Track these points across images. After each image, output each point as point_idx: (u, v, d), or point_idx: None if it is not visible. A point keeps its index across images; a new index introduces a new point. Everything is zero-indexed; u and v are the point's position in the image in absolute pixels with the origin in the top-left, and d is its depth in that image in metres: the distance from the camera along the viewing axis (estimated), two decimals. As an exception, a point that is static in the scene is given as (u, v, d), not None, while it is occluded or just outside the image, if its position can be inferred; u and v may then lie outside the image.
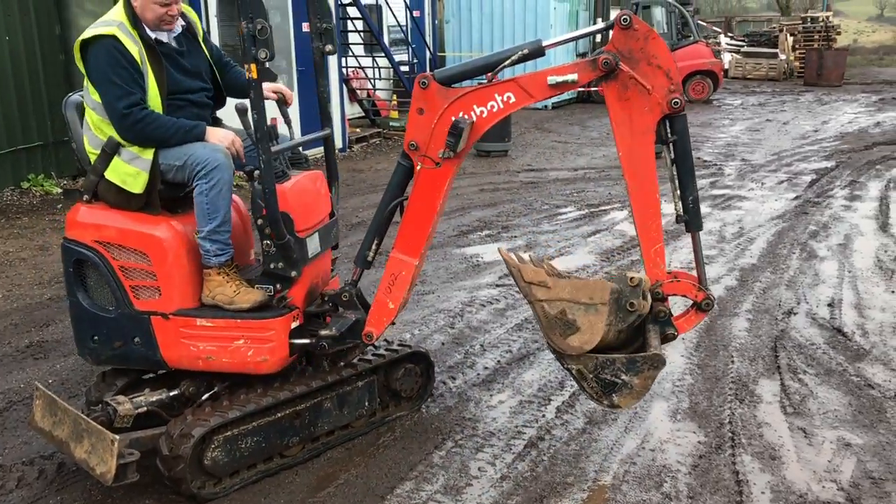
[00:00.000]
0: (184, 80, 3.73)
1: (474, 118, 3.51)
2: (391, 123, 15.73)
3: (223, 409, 3.55)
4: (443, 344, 5.27)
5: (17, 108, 10.00)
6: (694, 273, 3.60)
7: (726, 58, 26.24)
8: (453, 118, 3.49)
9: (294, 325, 3.70)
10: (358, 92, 15.81)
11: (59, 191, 10.13)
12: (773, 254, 7.28)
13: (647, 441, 4.03)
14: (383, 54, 15.44)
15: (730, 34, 31.19)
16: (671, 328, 3.53)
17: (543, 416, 4.30)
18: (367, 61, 16.11)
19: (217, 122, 3.99)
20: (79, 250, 3.66)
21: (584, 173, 11.44)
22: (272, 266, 3.61)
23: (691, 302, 3.58)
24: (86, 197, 3.73)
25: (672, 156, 3.42)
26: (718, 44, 27.38)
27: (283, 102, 4.04)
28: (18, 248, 7.67)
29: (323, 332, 3.73)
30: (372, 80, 16.42)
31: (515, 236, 8.02)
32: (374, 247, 3.83)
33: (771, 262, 7.04)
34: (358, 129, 14.86)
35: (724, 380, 4.70)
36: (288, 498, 3.55)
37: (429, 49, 17.86)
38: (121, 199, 3.64)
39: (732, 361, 4.96)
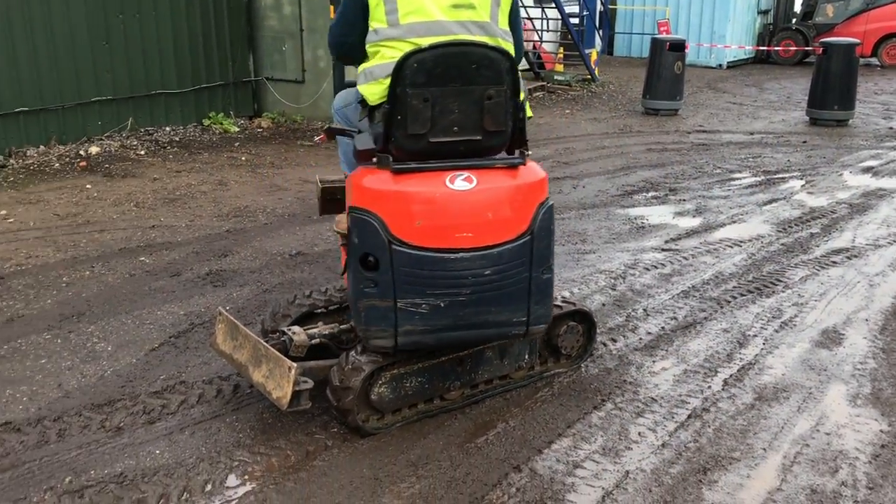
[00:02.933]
0: None
1: None
2: (556, 77, 15.48)
3: (393, 347, 3.62)
4: (603, 305, 5.15)
5: (203, 49, 10.56)
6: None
7: (928, 20, 23.92)
8: None
9: None
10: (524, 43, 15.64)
11: (237, 130, 10.64)
12: (974, 236, 6.63)
13: (822, 423, 3.79)
14: (553, 5, 15.12)
15: (933, -6, 28.35)
16: None
17: (709, 387, 4.13)
18: (535, 12, 15.85)
19: None
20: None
21: (761, 138, 10.82)
22: None
23: None
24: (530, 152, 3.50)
25: None
26: (919, 4, 24.97)
27: None
28: (199, 181, 8.15)
29: None
30: (539, 32, 16.16)
31: (684, 199, 7.71)
32: None
33: (972, 245, 6.41)
34: (522, 82, 14.70)
35: (912, 368, 4.34)
36: (446, 441, 3.60)
37: (600, 1, 17.33)
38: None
39: (923, 349, 4.57)
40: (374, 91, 3.36)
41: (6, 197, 7.36)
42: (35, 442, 3.52)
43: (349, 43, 3.47)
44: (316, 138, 3.73)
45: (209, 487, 3.22)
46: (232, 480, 3.27)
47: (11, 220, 6.70)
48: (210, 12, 10.53)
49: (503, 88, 3.25)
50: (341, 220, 3.77)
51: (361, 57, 3.49)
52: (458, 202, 3.27)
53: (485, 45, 3.20)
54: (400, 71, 3.15)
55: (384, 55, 3.31)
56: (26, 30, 8.63)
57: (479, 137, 3.30)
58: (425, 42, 3.19)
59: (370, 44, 3.36)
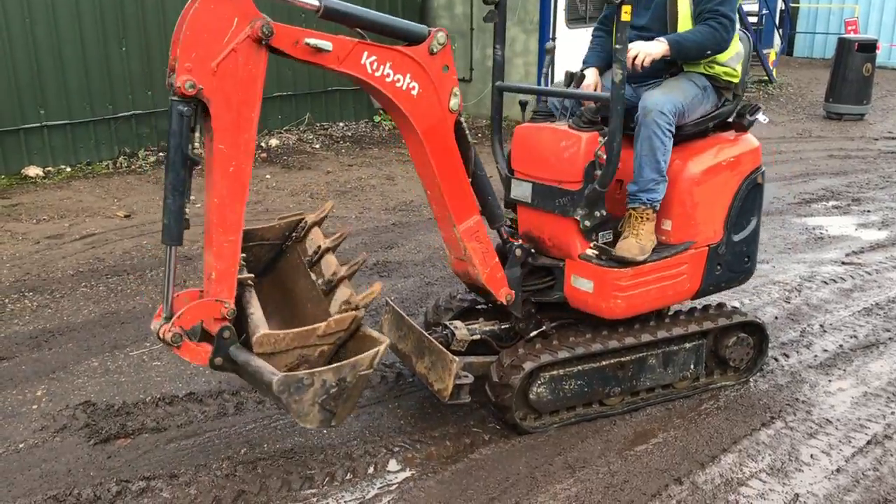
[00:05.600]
0: (637, 10, 3.70)
1: None
2: (730, 79, 14.83)
3: (553, 347, 3.61)
4: (776, 318, 4.90)
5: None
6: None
7: None
8: None
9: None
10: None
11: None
12: None
13: None
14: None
15: None
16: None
17: (893, 413, 3.84)
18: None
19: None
20: None
21: (961, 147, 9.93)
22: None
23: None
24: None
25: None
26: None
27: None
28: (369, 175, 8.44)
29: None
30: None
31: (868, 210, 7.20)
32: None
33: None
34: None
35: None
36: (604, 446, 3.55)
37: (782, -1, 16.46)
38: None
39: None
40: (740, 69, 3.90)
41: (194, 184, 7.91)
42: (215, 413, 3.78)
43: None
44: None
45: (371, 470, 3.34)
46: (393, 465, 3.38)
47: (199, 205, 7.20)
48: (385, 12, 10.86)
49: None
50: None
51: None
52: None
53: None
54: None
55: (736, 39, 3.84)
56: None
57: None
58: None
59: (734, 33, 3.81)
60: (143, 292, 5.21)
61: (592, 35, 4.11)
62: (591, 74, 3.94)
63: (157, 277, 5.45)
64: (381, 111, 11.03)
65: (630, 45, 3.52)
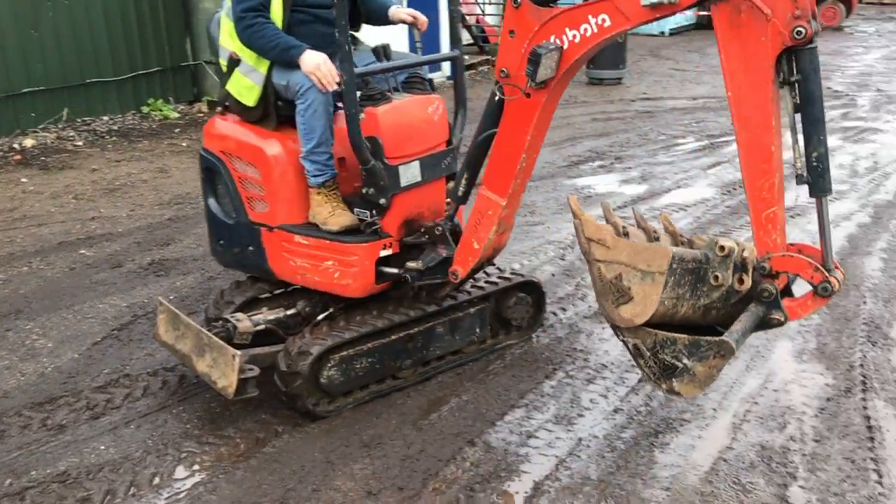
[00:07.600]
0: None
1: (565, 44, 2.96)
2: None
3: (339, 329, 3.57)
4: (553, 275, 5.16)
5: (138, 34, 10.26)
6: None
7: (861, -19, 24.33)
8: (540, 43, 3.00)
9: (385, 253, 3.60)
10: (466, 17, 15.47)
11: (177, 115, 10.40)
12: (911, 190, 6.78)
13: (769, 381, 3.85)
14: (494, -22, 15.03)
15: (866, -45, 28.85)
16: (778, 312, 2.79)
17: (659, 350, 4.16)
18: (477, -14, 15.72)
19: (356, 43, 3.97)
20: (209, 159, 3.91)
21: (704, 102, 10.92)
22: (365, 191, 3.56)
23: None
24: (219, 109, 3.92)
25: (795, 100, 2.64)
26: (853, -35, 25.39)
27: (416, 27, 3.94)
28: (140, 170, 7.94)
29: (410, 265, 3.60)
30: (480, 5, 16.04)
31: (629, 167, 7.75)
32: (464, 181, 3.57)
33: (908, 199, 6.56)
34: (466, 57, 14.60)
35: (854, 321, 4.43)
36: (400, 419, 3.57)
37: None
38: (241, 111, 3.77)
39: (864, 302, 4.66)
40: None
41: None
42: (-28, 446, 3.41)
43: None
44: None
45: (157, 480, 3.15)
46: (180, 472, 3.21)
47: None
48: (143, -5, 10.22)
49: None
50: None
51: None
52: None
53: None
54: None
55: None
56: (-52, 20, 8.29)
57: None
58: None
59: None
60: None
61: (256, 22, 3.56)
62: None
63: None
64: (150, 101, 10.40)
65: None
